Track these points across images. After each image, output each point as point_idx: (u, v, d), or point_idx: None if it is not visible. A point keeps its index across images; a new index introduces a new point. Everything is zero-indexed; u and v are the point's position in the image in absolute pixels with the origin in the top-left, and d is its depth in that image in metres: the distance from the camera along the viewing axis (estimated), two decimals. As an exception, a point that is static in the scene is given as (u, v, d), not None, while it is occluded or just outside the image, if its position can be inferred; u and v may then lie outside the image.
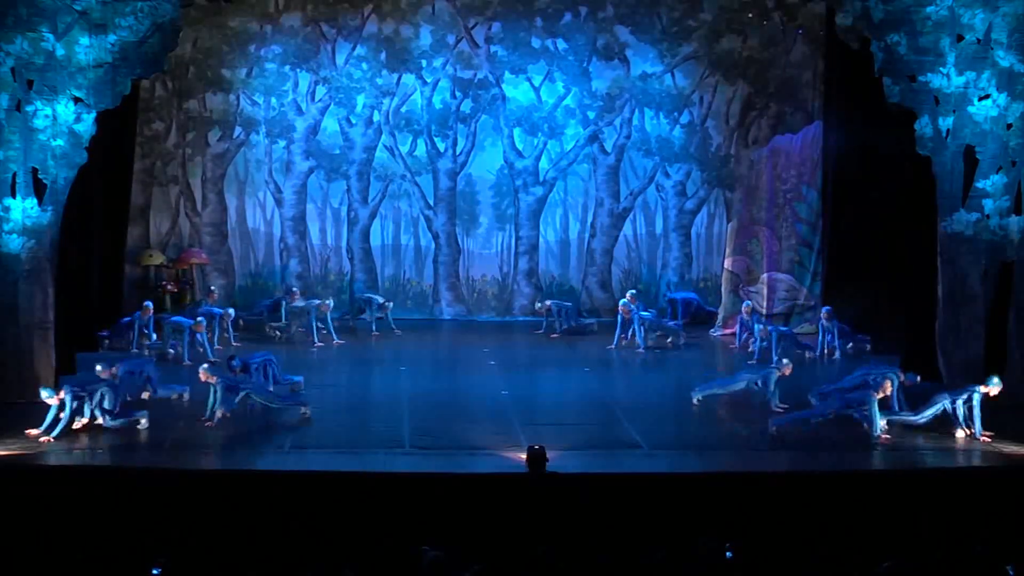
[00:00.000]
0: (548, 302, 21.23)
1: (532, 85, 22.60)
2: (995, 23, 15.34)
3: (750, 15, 22.14)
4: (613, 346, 19.51)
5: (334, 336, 19.72)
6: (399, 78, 22.49)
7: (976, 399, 13.78)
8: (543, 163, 22.84)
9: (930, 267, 16.16)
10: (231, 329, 19.39)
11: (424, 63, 22.42)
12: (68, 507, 11.54)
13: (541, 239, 23.05)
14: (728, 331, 20.71)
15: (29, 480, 12.12)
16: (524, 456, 12.09)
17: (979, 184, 15.57)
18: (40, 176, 15.24)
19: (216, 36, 22.11)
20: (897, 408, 14.35)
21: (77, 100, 15.25)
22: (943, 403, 13.92)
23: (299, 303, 20.46)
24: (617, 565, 9.37)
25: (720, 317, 21.22)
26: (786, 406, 14.88)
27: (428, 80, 22.51)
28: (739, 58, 22.29)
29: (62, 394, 13.47)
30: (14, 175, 15.16)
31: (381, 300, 21.10)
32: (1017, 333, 15.53)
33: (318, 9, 22.26)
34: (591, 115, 22.64)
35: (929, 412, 13.96)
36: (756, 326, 18.70)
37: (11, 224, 15.15)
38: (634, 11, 22.31)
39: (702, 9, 22.25)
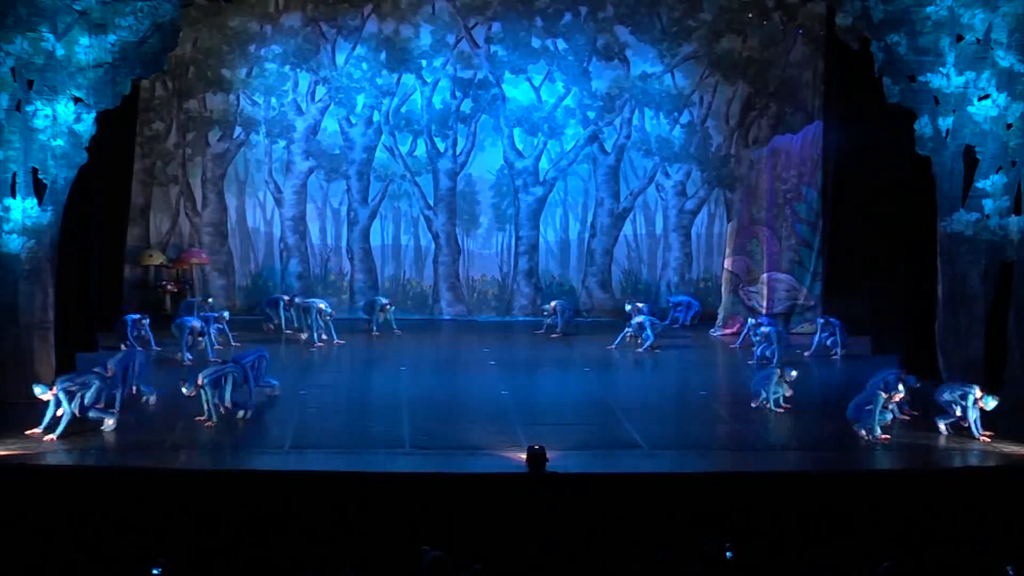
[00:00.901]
0: (554, 303, 21.20)
1: (532, 85, 22.60)
2: (995, 23, 15.33)
3: (750, 15, 22.15)
4: (614, 346, 19.51)
5: (334, 336, 19.71)
6: (399, 78, 22.50)
7: (971, 400, 13.78)
8: (543, 163, 22.84)
9: (930, 267, 16.16)
10: (227, 330, 19.29)
11: (424, 63, 22.42)
12: (68, 507, 11.53)
13: (541, 239, 23.05)
14: (728, 331, 20.72)
15: (29, 480, 12.12)
16: (524, 456, 12.09)
17: (979, 184, 15.56)
18: (40, 176, 15.23)
19: (216, 36, 22.12)
20: (899, 412, 14.35)
21: (77, 100, 15.24)
22: (947, 397, 13.97)
23: (297, 303, 20.45)
24: (617, 565, 9.36)
25: (720, 317, 21.22)
26: (788, 407, 14.91)
27: (428, 80, 22.51)
28: (739, 58, 22.30)
29: (55, 389, 13.48)
30: (14, 175, 15.15)
31: (385, 301, 21.07)
32: (1017, 333, 15.52)
33: (318, 9, 22.27)
34: (591, 115, 22.64)
35: (948, 419, 13.98)
36: (770, 329, 18.51)
37: (11, 224, 15.14)
38: (634, 11, 22.32)
39: (702, 9, 22.26)
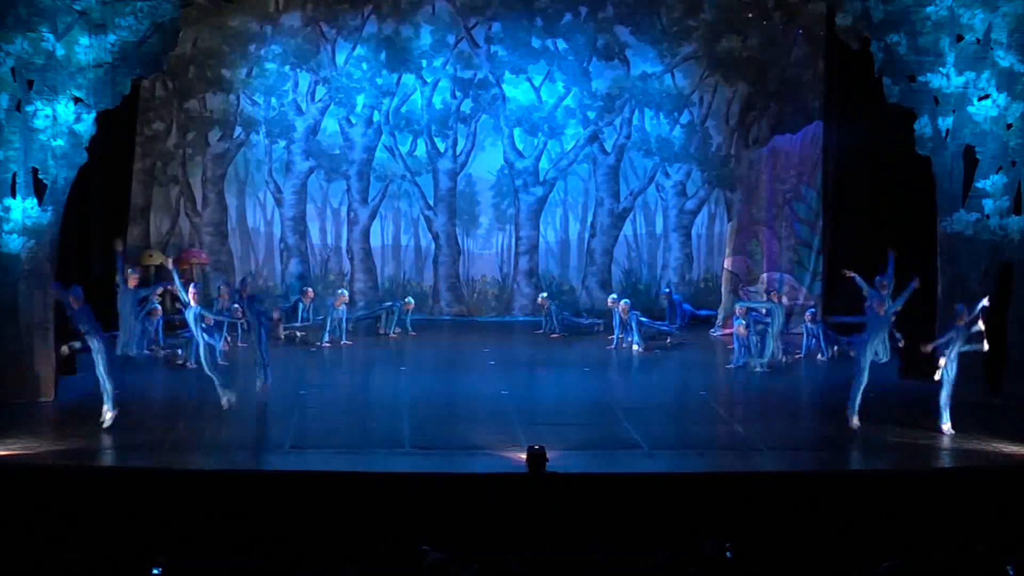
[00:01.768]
0: (543, 295, 21.18)
1: (532, 85, 22.61)
2: (995, 23, 15.33)
3: (750, 15, 22.15)
4: (613, 347, 19.52)
5: (343, 336, 19.69)
6: (399, 78, 22.50)
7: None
8: (543, 163, 22.85)
9: (930, 267, 16.16)
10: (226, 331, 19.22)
11: (424, 63, 22.43)
12: (68, 507, 11.54)
13: (541, 239, 23.06)
14: (727, 331, 20.71)
15: (29, 480, 12.12)
16: (524, 456, 12.08)
17: (979, 184, 15.57)
18: (40, 176, 15.23)
19: (216, 36, 22.12)
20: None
21: (77, 100, 15.24)
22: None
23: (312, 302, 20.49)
24: (617, 565, 9.36)
25: (720, 317, 21.23)
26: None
27: (428, 80, 22.52)
28: (739, 58, 22.30)
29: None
30: (14, 175, 15.15)
31: (402, 303, 21.02)
32: (1017, 333, 15.52)
33: (318, 9, 22.27)
34: (591, 115, 22.65)
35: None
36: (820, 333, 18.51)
37: (11, 224, 15.14)
38: (634, 11, 22.33)
39: (702, 9, 22.27)
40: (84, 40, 15.13)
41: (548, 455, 11.92)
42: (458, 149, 22.80)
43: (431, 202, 22.91)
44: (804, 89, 22.04)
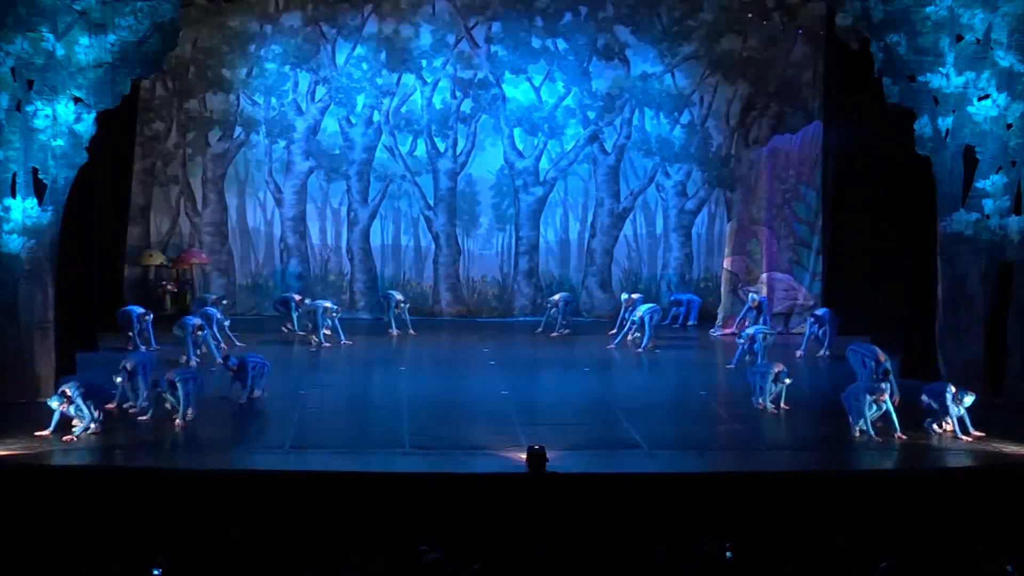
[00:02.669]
0: (558, 295, 21.17)
1: (532, 85, 22.60)
2: (995, 23, 15.33)
3: (750, 15, 22.14)
4: (614, 346, 19.52)
5: (341, 336, 19.68)
6: (399, 78, 22.50)
7: (948, 397, 13.76)
8: (543, 163, 22.83)
9: (930, 267, 16.16)
10: (228, 331, 19.24)
11: (424, 63, 22.42)
12: (68, 507, 11.54)
13: (541, 239, 23.04)
14: (728, 331, 20.72)
15: (29, 480, 12.12)
16: (524, 456, 12.08)
17: (979, 184, 15.56)
18: (40, 176, 15.23)
19: (216, 36, 22.12)
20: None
21: (77, 100, 15.23)
22: (925, 398, 13.99)
23: (306, 304, 20.41)
24: (617, 565, 9.36)
25: (720, 317, 21.23)
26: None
27: (428, 80, 22.51)
28: (739, 58, 22.30)
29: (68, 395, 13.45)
30: (14, 175, 15.14)
31: (399, 297, 21.01)
32: (1017, 333, 15.52)
33: (318, 9, 22.27)
34: (591, 115, 22.64)
35: (931, 420, 13.99)
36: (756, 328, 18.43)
37: (11, 224, 15.14)
38: (634, 11, 22.32)
39: (702, 9, 22.26)
40: (84, 40, 15.13)
41: (548, 455, 11.92)
42: (458, 149, 22.79)
43: (431, 202, 22.91)
44: (804, 89, 22.05)
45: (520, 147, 22.79)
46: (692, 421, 14.98)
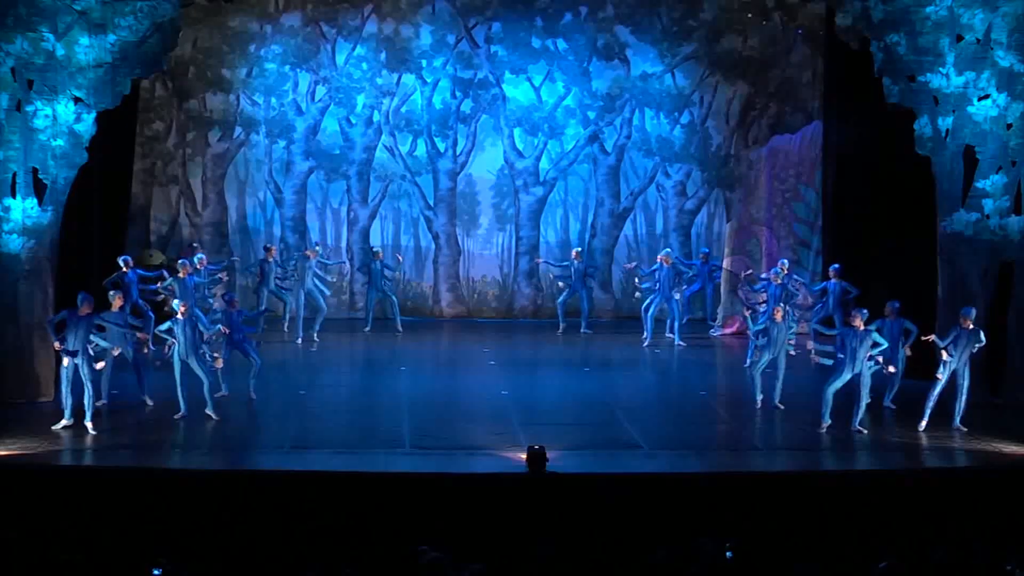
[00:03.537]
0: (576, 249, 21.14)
1: (532, 85, 22.60)
2: (995, 23, 15.33)
3: (750, 15, 22.14)
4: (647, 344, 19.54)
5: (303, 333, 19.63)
6: (399, 78, 22.49)
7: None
8: (543, 163, 22.82)
9: (930, 267, 16.17)
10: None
11: (424, 63, 22.41)
12: (68, 507, 11.55)
13: (542, 239, 23.03)
14: (728, 331, 20.72)
15: (29, 480, 12.12)
16: (524, 456, 12.09)
17: (979, 184, 15.57)
18: (40, 176, 15.23)
19: (216, 36, 22.10)
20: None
21: (77, 100, 15.24)
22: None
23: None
24: (617, 565, 9.37)
25: (720, 317, 21.23)
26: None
27: (428, 80, 22.51)
28: (739, 58, 22.30)
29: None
30: (14, 175, 15.15)
31: (376, 248, 21.25)
32: (1017, 333, 15.53)
33: (318, 9, 22.25)
34: (591, 115, 22.63)
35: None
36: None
37: (11, 224, 15.14)
38: (634, 11, 22.31)
39: (702, 9, 22.25)
40: (84, 40, 15.13)
41: (548, 455, 11.93)
42: (458, 149, 22.79)
43: (431, 202, 22.90)
44: (804, 89, 22.05)
45: (520, 147, 22.79)
46: (692, 421, 14.99)
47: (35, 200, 15.20)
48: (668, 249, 20.67)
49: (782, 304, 15.96)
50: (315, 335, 19.60)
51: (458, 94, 22.58)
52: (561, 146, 22.80)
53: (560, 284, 21.36)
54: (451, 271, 22.98)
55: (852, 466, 13.26)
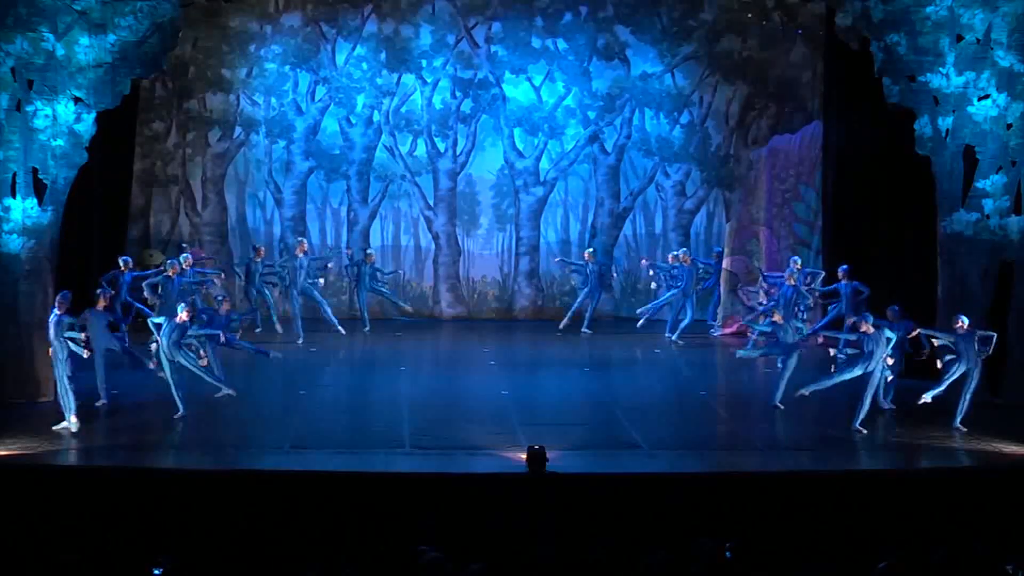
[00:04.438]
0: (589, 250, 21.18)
1: (532, 85, 22.60)
2: (995, 23, 15.33)
3: (750, 15, 22.13)
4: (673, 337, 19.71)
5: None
6: (399, 78, 22.49)
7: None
8: (543, 163, 22.82)
9: (930, 267, 16.17)
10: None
11: (424, 63, 22.41)
12: (68, 507, 11.55)
13: (542, 239, 23.03)
14: (728, 331, 20.72)
15: (29, 480, 12.13)
16: (524, 456, 12.09)
17: (979, 184, 15.57)
18: (40, 176, 15.24)
19: (216, 36, 22.10)
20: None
21: (77, 100, 15.24)
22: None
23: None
24: (617, 565, 9.37)
25: (720, 317, 21.23)
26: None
27: (428, 80, 22.51)
28: (739, 58, 22.29)
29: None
30: (14, 175, 15.15)
31: (370, 251, 21.25)
32: (1017, 333, 15.53)
33: (318, 9, 22.25)
34: (591, 115, 22.63)
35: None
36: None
37: (11, 224, 15.15)
38: (634, 11, 22.31)
39: (702, 9, 22.25)
40: (84, 40, 15.13)
41: (548, 455, 11.92)
42: (458, 149, 22.79)
43: (431, 202, 22.90)
44: (804, 89, 22.04)
45: (520, 147, 22.79)
46: (692, 421, 14.99)
47: (35, 200, 15.20)
48: (685, 249, 20.73)
49: (782, 308, 15.97)
50: (337, 326, 19.82)
51: (458, 94, 22.57)
52: (561, 146, 22.80)
53: (573, 282, 21.34)
54: (451, 271, 22.98)
55: (852, 466, 13.26)
